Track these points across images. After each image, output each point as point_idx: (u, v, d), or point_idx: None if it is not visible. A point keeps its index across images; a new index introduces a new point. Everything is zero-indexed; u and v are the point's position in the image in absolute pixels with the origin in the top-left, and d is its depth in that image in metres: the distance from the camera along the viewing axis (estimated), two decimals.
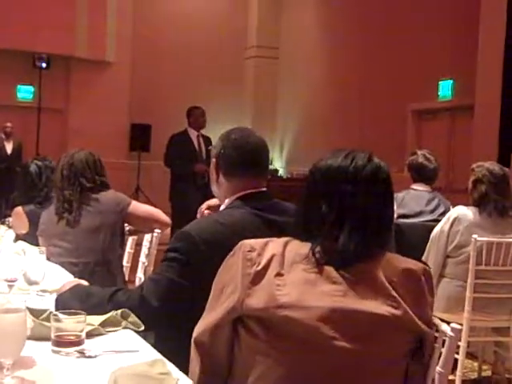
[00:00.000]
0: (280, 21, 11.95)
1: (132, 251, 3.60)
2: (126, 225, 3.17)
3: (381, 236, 1.42)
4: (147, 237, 3.50)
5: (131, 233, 3.35)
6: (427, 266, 1.49)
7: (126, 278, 3.31)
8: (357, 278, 1.33)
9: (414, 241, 3.71)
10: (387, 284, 1.34)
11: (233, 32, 11.63)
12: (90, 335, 1.66)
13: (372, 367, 1.34)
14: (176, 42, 11.09)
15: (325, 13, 11.02)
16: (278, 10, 11.91)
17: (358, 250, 1.35)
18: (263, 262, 1.36)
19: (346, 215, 1.38)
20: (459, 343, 3.34)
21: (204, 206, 2.28)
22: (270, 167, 9.20)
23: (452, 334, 1.54)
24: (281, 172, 10.96)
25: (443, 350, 1.56)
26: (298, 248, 1.38)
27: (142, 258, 3.53)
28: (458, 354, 3.33)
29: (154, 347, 1.67)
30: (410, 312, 1.34)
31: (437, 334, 1.55)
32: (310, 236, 1.39)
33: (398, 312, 1.32)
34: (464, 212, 3.52)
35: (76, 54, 10.07)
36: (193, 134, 7.21)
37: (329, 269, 1.34)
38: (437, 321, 1.53)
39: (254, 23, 11.91)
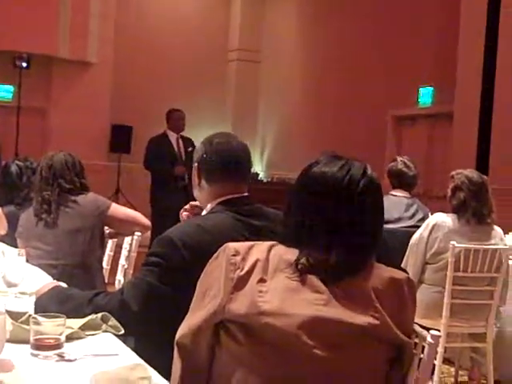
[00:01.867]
0: (262, 24, 11.97)
1: (112, 254, 3.58)
2: (105, 228, 3.15)
3: (372, 249, 1.42)
4: (127, 239, 3.49)
5: (111, 236, 3.33)
6: (407, 273, 1.50)
7: (106, 281, 3.30)
8: (341, 289, 1.33)
9: (393, 246, 3.73)
10: (371, 294, 1.34)
11: (215, 35, 11.63)
12: (69, 338, 1.65)
13: (350, 376, 1.35)
14: (158, 44, 11.06)
15: (306, 17, 11.07)
16: (261, 13, 11.94)
17: (348, 265, 1.35)
18: (247, 266, 1.35)
19: (338, 228, 1.36)
20: (436, 348, 3.37)
21: (188, 206, 2.28)
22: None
23: (431, 340, 1.55)
24: (261, 175, 10.97)
25: (422, 356, 1.57)
26: (283, 254, 1.37)
27: (122, 261, 3.51)
28: (435, 359, 3.37)
29: (134, 351, 1.66)
30: (391, 322, 1.34)
31: (416, 340, 1.56)
32: (297, 243, 1.38)
33: (378, 322, 1.32)
34: (443, 219, 3.55)
35: (57, 54, 9.99)
36: (172, 136, 7.19)
37: (312, 277, 1.34)
38: (416, 327, 1.54)
39: (237, 26, 11.92)
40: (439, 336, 1.57)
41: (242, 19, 11.91)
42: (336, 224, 1.37)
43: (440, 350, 3.37)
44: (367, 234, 1.40)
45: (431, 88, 9.59)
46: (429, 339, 1.55)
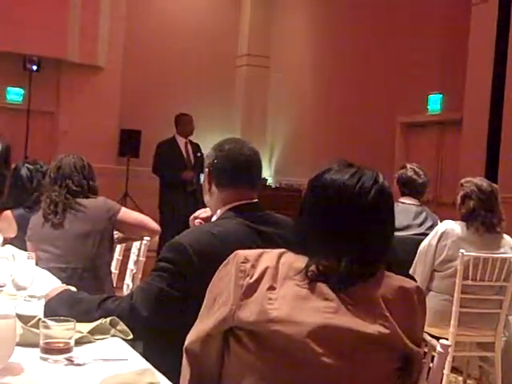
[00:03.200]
0: (272, 29, 11.99)
1: (120, 258, 3.59)
2: (115, 232, 3.16)
3: (382, 258, 1.41)
4: (136, 244, 3.49)
5: (120, 241, 3.34)
6: (416, 281, 1.50)
7: (114, 285, 3.31)
8: (350, 297, 1.33)
9: (401, 254, 3.72)
10: (381, 302, 1.34)
11: (225, 40, 11.65)
12: (78, 343, 1.66)
13: None
14: (168, 49, 11.10)
15: (316, 23, 11.08)
16: (270, 18, 11.96)
17: (358, 273, 1.35)
18: (256, 274, 1.35)
19: (348, 236, 1.36)
20: (445, 357, 3.35)
21: (193, 217, 2.28)
22: None
23: (441, 350, 1.55)
24: (269, 181, 10.97)
25: (431, 366, 1.56)
26: (293, 261, 1.37)
27: (131, 265, 3.52)
28: (443, 368, 3.35)
29: (143, 356, 1.66)
30: (400, 331, 1.34)
31: (426, 349, 1.55)
32: (307, 250, 1.38)
33: (387, 331, 1.32)
34: (452, 227, 3.54)
35: (67, 58, 10.04)
36: (181, 141, 7.21)
37: (321, 285, 1.33)
38: (426, 336, 1.53)
39: (246, 31, 11.94)
40: (449, 345, 1.56)
41: (251, 24, 11.94)
42: (346, 232, 1.37)
43: (448, 359, 3.36)
44: (378, 243, 1.40)
45: (440, 95, 9.57)
46: (438, 348, 1.55)
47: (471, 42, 8.37)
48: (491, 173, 7.17)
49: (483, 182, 3.58)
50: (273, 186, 10.47)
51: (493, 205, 3.49)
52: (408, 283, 1.42)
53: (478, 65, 8.10)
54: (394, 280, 1.40)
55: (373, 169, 1.45)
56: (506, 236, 3.59)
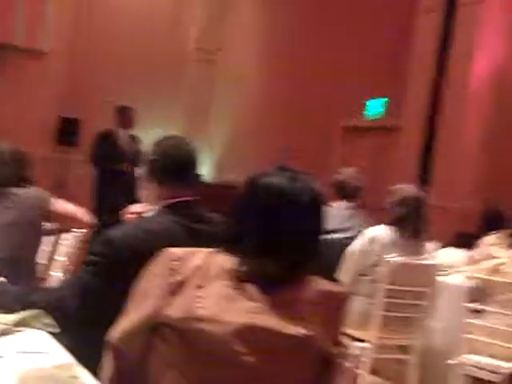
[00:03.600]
0: (222, 25, 11.97)
1: (50, 249, 3.53)
2: (46, 223, 3.11)
3: (308, 263, 1.45)
4: (66, 235, 3.44)
5: (50, 232, 3.29)
6: (341, 284, 1.55)
7: (42, 276, 3.26)
8: (276, 299, 1.37)
9: (331, 257, 3.81)
10: (305, 305, 1.39)
11: (175, 34, 11.55)
12: (1, 334, 1.64)
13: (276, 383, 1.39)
14: (116, 39, 10.92)
15: (263, 23, 11.15)
16: (220, 14, 11.92)
17: (286, 276, 1.39)
18: (186, 272, 1.38)
19: (278, 239, 1.39)
20: (365, 359, 3.46)
21: (128, 211, 2.29)
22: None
23: (358, 352, 1.61)
24: (209, 178, 10.97)
25: (349, 366, 1.63)
26: (222, 261, 1.40)
27: (60, 257, 3.47)
28: (362, 370, 3.46)
29: (69, 350, 1.66)
30: (321, 333, 1.39)
31: (344, 351, 1.61)
32: (239, 250, 1.40)
33: (309, 333, 1.37)
34: (380, 232, 3.65)
35: (13, 42, 9.77)
36: (121, 133, 7.13)
37: (250, 286, 1.37)
38: (345, 339, 1.59)
39: (196, 26, 11.88)
40: (366, 348, 1.63)
41: (201, 19, 11.89)
42: (276, 235, 1.40)
43: (368, 360, 3.46)
44: (305, 248, 1.44)
45: (381, 100, 9.78)
46: (356, 351, 1.61)
47: (414, 49, 8.59)
48: (425, 179, 7.40)
49: (412, 190, 3.70)
50: (212, 183, 10.47)
51: (421, 212, 3.62)
52: (331, 287, 1.47)
53: (419, 74, 8.32)
54: (318, 284, 1.45)
55: (307, 173, 1.49)
56: (429, 243, 3.73)
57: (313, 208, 1.44)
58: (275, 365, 1.36)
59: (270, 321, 1.35)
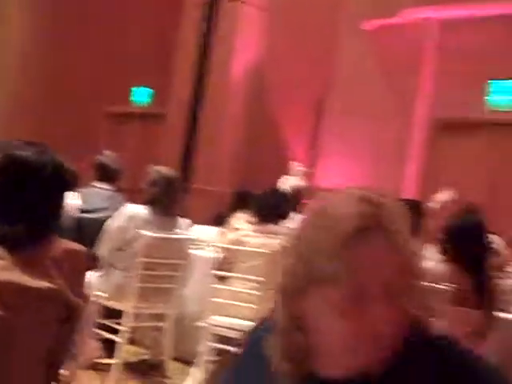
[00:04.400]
0: None
1: None
2: None
3: (53, 225, 1.61)
4: None
5: None
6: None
7: None
8: (23, 257, 1.51)
9: (93, 234, 3.93)
10: (50, 262, 1.55)
11: None
12: None
13: (26, 333, 1.54)
14: None
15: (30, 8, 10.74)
16: None
17: (31, 236, 1.53)
18: None
19: (26, 204, 1.55)
20: (122, 328, 3.68)
21: None
22: None
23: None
24: None
25: (87, 319, 1.82)
26: None
27: None
28: (118, 337, 3.67)
29: None
30: (65, 287, 1.57)
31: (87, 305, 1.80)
32: None
33: (54, 286, 1.53)
34: (136, 210, 3.87)
35: None
36: None
37: None
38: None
39: None
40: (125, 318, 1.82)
41: None
42: (24, 201, 1.55)
43: (126, 329, 3.68)
44: (48, 214, 1.61)
45: (147, 88, 10.01)
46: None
47: (180, 41, 8.94)
48: (187, 165, 7.78)
49: (166, 171, 3.98)
50: None
51: (174, 191, 3.91)
52: (75, 246, 1.68)
53: (184, 63, 8.68)
54: (63, 244, 1.64)
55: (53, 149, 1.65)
56: (182, 219, 4.04)
57: (55, 180, 1.61)
58: (24, 317, 1.51)
59: (18, 276, 1.49)
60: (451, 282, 2.96)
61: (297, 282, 0.97)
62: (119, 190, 4.66)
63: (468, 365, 0.95)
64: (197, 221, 4.84)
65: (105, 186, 4.47)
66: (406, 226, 0.97)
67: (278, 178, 7.25)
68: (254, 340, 1.11)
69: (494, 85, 8.02)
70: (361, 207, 0.94)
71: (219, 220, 5.24)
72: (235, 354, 1.16)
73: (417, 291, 0.96)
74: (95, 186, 4.48)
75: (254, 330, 1.14)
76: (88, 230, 4.02)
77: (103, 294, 3.78)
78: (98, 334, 3.81)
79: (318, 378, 0.98)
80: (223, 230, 4.54)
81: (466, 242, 3.04)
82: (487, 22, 7.84)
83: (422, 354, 0.95)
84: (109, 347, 3.86)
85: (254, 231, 3.83)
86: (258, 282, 3.51)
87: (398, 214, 0.96)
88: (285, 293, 1.00)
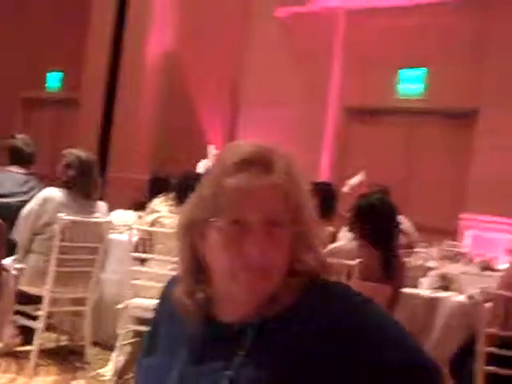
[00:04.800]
0: None
1: None
2: None
3: None
4: None
5: None
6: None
7: None
8: None
9: (8, 219, 3.86)
10: None
11: None
12: None
13: None
14: None
15: None
16: None
17: None
18: None
19: None
20: (40, 313, 3.66)
21: None
22: None
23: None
24: None
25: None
26: None
27: None
28: (37, 324, 3.65)
29: None
30: None
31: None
32: None
33: None
34: (53, 193, 3.83)
35: None
36: None
37: None
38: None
39: None
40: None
41: None
42: None
43: (44, 314, 3.65)
44: None
45: (60, 73, 9.80)
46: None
47: (91, 25, 8.79)
48: (103, 151, 7.67)
49: (83, 154, 3.96)
50: None
51: (91, 174, 3.90)
52: None
53: (97, 48, 8.55)
54: None
55: None
56: (100, 203, 4.04)
57: None
58: None
59: None
60: (359, 257, 3.11)
61: (196, 220, 1.02)
62: (33, 173, 4.57)
63: (352, 303, 0.99)
64: (115, 207, 4.83)
65: (18, 169, 4.38)
66: (297, 176, 1.00)
67: (197, 162, 7.30)
68: (165, 295, 1.16)
69: (403, 73, 8.35)
70: (251, 148, 1.00)
71: (137, 206, 5.24)
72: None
73: (306, 236, 1.01)
74: (10, 171, 4.38)
75: (166, 286, 1.18)
76: (3, 215, 3.95)
77: (20, 279, 3.73)
78: (15, 320, 3.77)
79: (220, 321, 1.03)
80: (141, 213, 4.56)
81: (372, 218, 3.19)
82: (397, 12, 8.15)
83: (315, 295, 0.99)
84: (27, 333, 3.83)
85: (170, 212, 3.88)
86: (176, 262, 3.56)
87: (289, 164, 1.00)
88: (186, 232, 1.05)
